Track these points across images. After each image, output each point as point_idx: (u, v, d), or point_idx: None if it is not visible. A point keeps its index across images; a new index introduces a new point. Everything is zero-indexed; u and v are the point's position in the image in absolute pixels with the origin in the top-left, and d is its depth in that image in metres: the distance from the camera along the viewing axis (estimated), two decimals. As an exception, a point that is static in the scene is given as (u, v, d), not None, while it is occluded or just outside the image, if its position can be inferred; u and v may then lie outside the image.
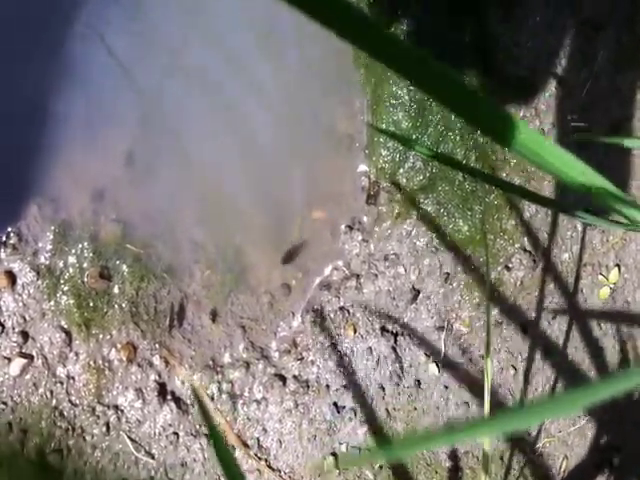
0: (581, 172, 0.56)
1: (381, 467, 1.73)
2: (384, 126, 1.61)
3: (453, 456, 1.76)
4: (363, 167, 1.69)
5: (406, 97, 1.64)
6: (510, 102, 1.65)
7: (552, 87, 1.69)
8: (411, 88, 1.60)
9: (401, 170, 1.66)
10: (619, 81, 1.72)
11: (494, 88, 1.65)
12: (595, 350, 1.80)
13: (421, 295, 1.72)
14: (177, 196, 1.64)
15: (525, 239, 1.71)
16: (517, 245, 1.72)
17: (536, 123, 1.67)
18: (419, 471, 1.75)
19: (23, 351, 1.60)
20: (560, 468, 1.83)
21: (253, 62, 1.64)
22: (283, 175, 1.67)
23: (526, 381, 1.77)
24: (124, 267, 1.64)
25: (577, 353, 1.80)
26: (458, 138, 1.65)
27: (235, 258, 1.68)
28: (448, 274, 1.70)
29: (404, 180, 1.67)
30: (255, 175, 1.66)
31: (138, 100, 1.62)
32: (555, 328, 1.75)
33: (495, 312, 1.72)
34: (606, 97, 1.71)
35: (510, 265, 1.71)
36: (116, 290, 1.64)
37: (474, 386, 1.72)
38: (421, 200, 1.67)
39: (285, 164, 1.67)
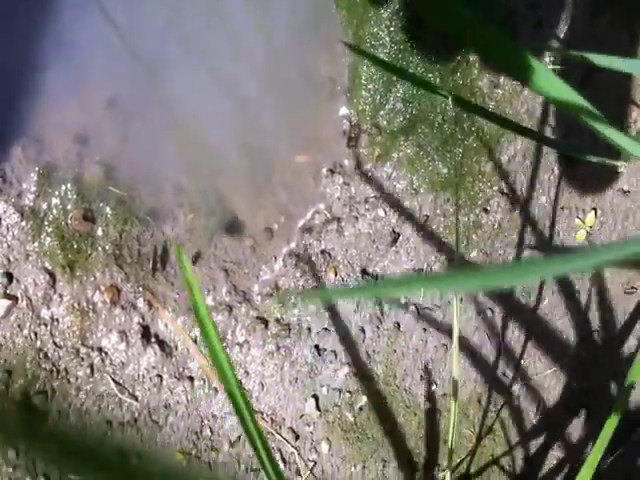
0: (566, 93, 0.69)
1: (361, 409, 1.88)
2: (365, 68, 1.75)
3: (431, 398, 1.93)
4: (344, 110, 1.83)
5: (387, 38, 1.79)
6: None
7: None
8: (392, 29, 1.74)
9: (381, 112, 1.81)
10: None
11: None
12: (571, 293, 1.97)
13: (401, 238, 1.90)
14: (160, 141, 1.77)
15: (503, 182, 1.87)
16: (495, 188, 1.88)
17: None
18: (398, 413, 1.92)
19: (8, 292, 1.71)
20: (537, 411, 2.00)
21: (232, 8, 1.74)
22: (265, 120, 1.81)
23: (503, 324, 1.93)
24: (107, 210, 1.76)
25: (553, 296, 1.97)
26: (438, 80, 1.79)
27: (218, 202, 1.81)
28: (427, 216, 1.86)
29: (385, 122, 1.82)
30: (237, 120, 1.80)
31: (122, 49, 1.72)
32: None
33: (473, 254, 1.88)
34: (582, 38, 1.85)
35: (488, 208, 1.87)
36: (100, 232, 1.76)
37: (452, 328, 1.87)
38: (401, 142, 1.83)
39: (267, 109, 1.81)
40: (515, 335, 2.00)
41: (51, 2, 1.72)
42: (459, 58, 1.82)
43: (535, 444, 2.09)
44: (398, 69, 1.44)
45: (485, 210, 1.91)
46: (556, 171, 1.94)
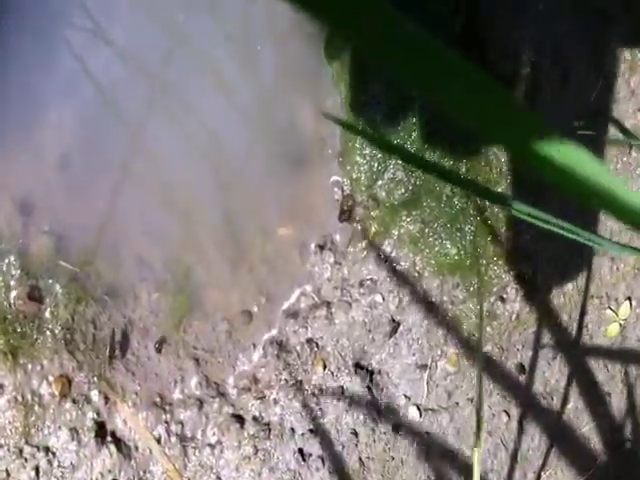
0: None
1: None
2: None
3: None
4: (336, 178, 1.63)
5: (384, 95, 1.56)
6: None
7: (555, 85, 1.61)
8: (390, 85, 1.52)
9: (380, 182, 1.62)
10: (635, 83, 1.63)
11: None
12: (600, 396, 1.73)
13: (401, 328, 1.69)
14: (120, 206, 1.60)
15: (523, 266, 1.64)
16: (513, 273, 1.67)
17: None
18: None
19: (-61, 382, 1.54)
20: None
21: (220, 59, 1.57)
22: (244, 185, 1.62)
23: (520, 429, 1.70)
24: (57, 287, 1.60)
25: (580, 398, 1.74)
26: (447, 145, 1.57)
27: (187, 279, 1.63)
28: (433, 304, 1.65)
29: (383, 193, 1.62)
30: (212, 183, 1.63)
31: (80, 95, 1.54)
32: (555, 370, 1.68)
33: (487, 349, 1.65)
34: (618, 101, 1.63)
35: (505, 296, 1.65)
36: (48, 314, 1.60)
37: (460, 434, 1.64)
38: (403, 217, 1.63)
39: (247, 172, 1.62)
40: (534, 443, 1.76)
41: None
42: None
43: None
44: (396, 148, 1.21)
45: (501, 298, 1.68)
46: (584, 254, 1.70)
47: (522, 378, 1.71)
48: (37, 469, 1.58)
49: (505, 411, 1.72)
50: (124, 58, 1.57)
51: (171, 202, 1.63)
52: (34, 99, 1.57)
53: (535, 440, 1.75)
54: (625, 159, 1.65)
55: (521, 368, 1.70)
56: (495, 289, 1.68)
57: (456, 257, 1.65)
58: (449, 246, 1.64)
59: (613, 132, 1.64)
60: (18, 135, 1.56)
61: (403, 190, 1.62)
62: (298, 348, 1.67)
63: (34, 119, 1.57)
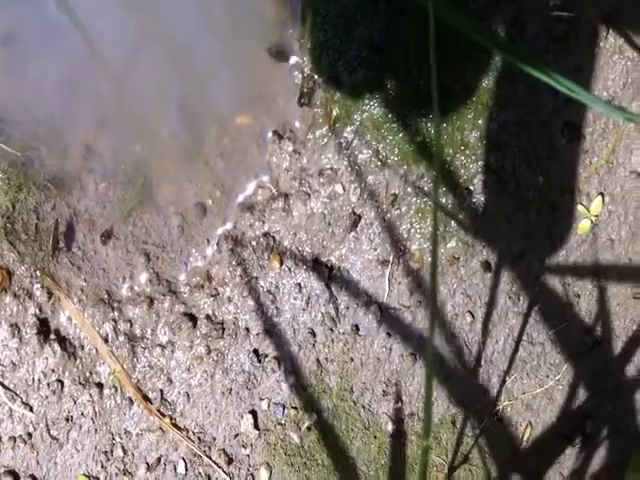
0: None
1: (309, 429, 1.60)
2: (323, 4, 1.43)
3: (396, 418, 1.62)
4: (296, 59, 1.53)
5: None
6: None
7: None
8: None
9: (341, 61, 1.51)
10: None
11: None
12: (569, 297, 1.67)
13: (362, 221, 1.61)
14: (68, 88, 1.52)
15: (491, 156, 1.55)
16: (481, 162, 1.57)
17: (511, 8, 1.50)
18: (355, 435, 1.62)
19: None
20: (523, 437, 1.71)
21: None
22: (199, 69, 1.53)
23: (485, 331, 1.64)
24: None
25: (546, 300, 1.67)
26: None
27: (138, 170, 1.53)
28: (396, 196, 1.58)
29: (345, 74, 1.51)
30: (165, 68, 1.54)
31: None
32: (522, 268, 1.62)
33: (452, 245, 1.58)
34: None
35: (472, 187, 1.58)
36: None
37: (423, 335, 1.58)
38: (365, 100, 1.55)
39: (202, 56, 1.53)
40: (499, 345, 1.70)
41: None
42: None
43: (518, 478, 1.79)
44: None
45: (468, 190, 1.60)
46: (557, 144, 1.62)
47: (487, 277, 1.64)
48: (-26, 367, 1.51)
49: (470, 312, 1.66)
50: None
51: (122, 88, 1.53)
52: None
53: (500, 343, 1.69)
54: (602, 44, 1.56)
55: (487, 266, 1.63)
56: (461, 180, 1.59)
57: (421, 145, 1.56)
58: (414, 132, 1.55)
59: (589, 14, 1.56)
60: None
61: (366, 69, 1.53)
62: (254, 243, 1.58)
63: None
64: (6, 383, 1.52)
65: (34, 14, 1.48)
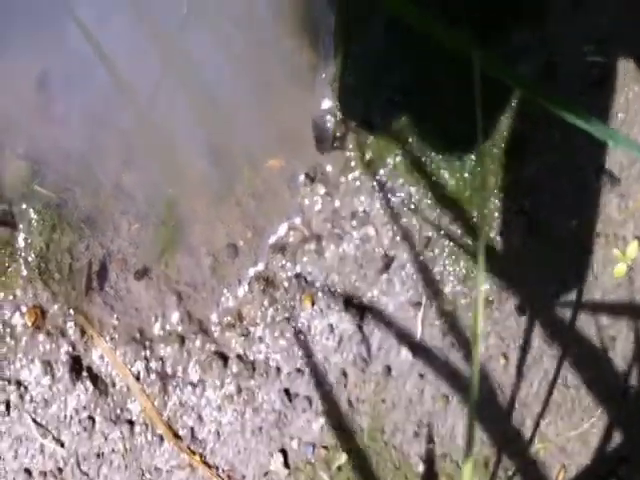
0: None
1: (339, 468, 1.59)
2: (356, 50, 1.42)
3: (427, 459, 1.61)
4: (328, 103, 1.53)
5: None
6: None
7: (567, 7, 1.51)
8: None
9: (374, 105, 1.54)
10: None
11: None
12: (604, 340, 1.64)
13: (395, 263, 1.60)
14: (101, 130, 1.49)
15: (526, 199, 1.54)
16: (516, 207, 1.55)
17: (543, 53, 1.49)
18: (385, 476, 1.62)
19: None
20: (556, 479, 1.68)
21: None
22: (232, 114, 1.54)
23: (519, 374, 1.62)
24: (32, 213, 1.54)
25: (582, 343, 1.65)
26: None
27: (170, 211, 1.54)
28: (429, 238, 1.57)
29: (378, 117, 1.51)
30: (198, 112, 1.53)
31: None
32: (558, 311, 1.59)
33: (486, 288, 1.56)
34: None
35: (505, 231, 1.54)
36: (21, 241, 1.54)
37: (456, 376, 1.56)
38: (398, 144, 1.52)
39: (233, 99, 1.52)
40: (533, 388, 1.67)
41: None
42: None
43: (552, 522, 1.77)
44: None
45: (502, 234, 1.58)
46: (591, 188, 1.60)
47: (522, 320, 1.62)
48: (7, 404, 1.53)
49: (503, 354, 1.64)
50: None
51: (154, 132, 1.55)
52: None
53: (534, 386, 1.67)
54: (637, 89, 1.54)
55: (521, 309, 1.62)
56: (495, 224, 1.58)
57: (455, 188, 1.55)
58: (447, 176, 1.55)
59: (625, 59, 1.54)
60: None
61: (399, 113, 1.53)
62: (285, 284, 1.58)
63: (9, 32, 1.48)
64: (38, 419, 1.53)
65: (64, 56, 1.50)
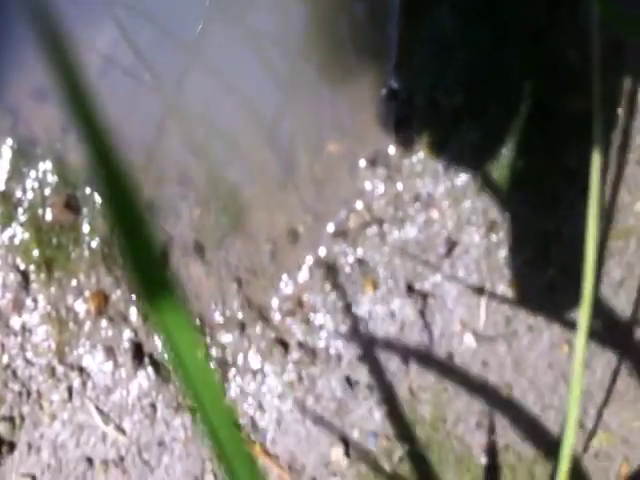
0: None
1: (401, 459, 1.56)
2: (425, 25, 1.40)
3: (490, 450, 1.56)
4: (393, 84, 1.49)
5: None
6: None
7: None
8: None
9: (440, 86, 1.49)
10: None
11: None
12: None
13: (458, 247, 1.56)
14: (162, 117, 1.49)
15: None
16: (579, 187, 1.51)
17: None
18: (448, 467, 1.57)
19: (-30, 294, 1.47)
20: (620, 471, 1.63)
21: None
22: (290, 97, 1.50)
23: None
24: (96, 198, 1.49)
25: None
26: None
27: (231, 197, 1.52)
28: (494, 222, 1.51)
29: (443, 99, 1.48)
30: (256, 96, 1.49)
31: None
32: (622, 298, 1.54)
33: (549, 272, 1.52)
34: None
35: (570, 216, 1.50)
36: (85, 226, 1.53)
37: (520, 364, 1.52)
38: (464, 125, 1.48)
39: (293, 84, 1.49)
40: (596, 377, 1.62)
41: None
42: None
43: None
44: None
45: (565, 219, 1.54)
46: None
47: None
48: (70, 390, 1.52)
49: (567, 341, 1.60)
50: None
51: (214, 120, 1.53)
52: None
53: (597, 374, 1.62)
54: None
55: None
56: (561, 207, 1.54)
57: (522, 170, 1.52)
58: (515, 157, 1.51)
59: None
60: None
61: (466, 94, 1.50)
62: (347, 269, 1.55)
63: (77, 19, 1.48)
64: (100, 407, 1.51)
65: (129, 46, 1.50)
